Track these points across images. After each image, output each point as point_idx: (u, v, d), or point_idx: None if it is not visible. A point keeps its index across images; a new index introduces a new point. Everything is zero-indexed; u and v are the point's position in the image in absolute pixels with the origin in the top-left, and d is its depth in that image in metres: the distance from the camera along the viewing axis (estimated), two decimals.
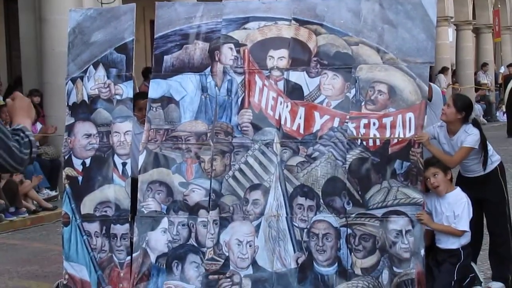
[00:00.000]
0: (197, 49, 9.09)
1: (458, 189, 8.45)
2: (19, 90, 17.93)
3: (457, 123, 8.51)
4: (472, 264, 8.51)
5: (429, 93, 8.80)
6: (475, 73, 34.63)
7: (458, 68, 34.18)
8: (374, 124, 8.59)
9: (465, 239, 8.38)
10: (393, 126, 8.58)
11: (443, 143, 8.58)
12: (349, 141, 8.62)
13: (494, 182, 8.55)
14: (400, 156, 8.49)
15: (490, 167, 8.53)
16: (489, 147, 8.57)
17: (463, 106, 8.50)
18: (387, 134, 8.54)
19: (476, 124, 8.62)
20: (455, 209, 8.31)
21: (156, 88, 9.10)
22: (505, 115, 29.63)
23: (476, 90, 33.46)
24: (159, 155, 8.96)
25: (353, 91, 8.73)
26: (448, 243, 8.39)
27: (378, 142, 8.57)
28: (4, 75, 20.61)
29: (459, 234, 8.31)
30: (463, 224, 8.28)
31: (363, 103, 8.66)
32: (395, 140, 8.53)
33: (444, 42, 30.98)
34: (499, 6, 36.19)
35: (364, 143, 8.59)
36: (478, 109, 32.04)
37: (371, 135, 8.57)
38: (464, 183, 8.58)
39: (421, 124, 8.52)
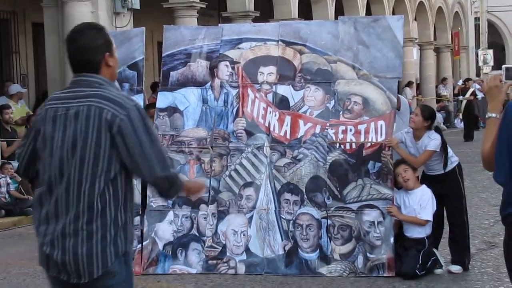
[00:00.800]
0: (199, 67, 9.07)
1: (424, 186, 8.47)
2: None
3: (422, 130, 8.50)
4: (434, 250, 8.50)
5: (398, 104, 8.81)
6: (436, 86, 34.62)
7: (422, 82, 34.20)
8: (350, 130, 8.60)
9: (429, 229, 8.39)
10: (367, 132, 8.58)
11: (409, 147, 8.58)
12: (329, 145, 8.62)
13: (453, 180, 8.54)
14: (373, 158, 8.50)
15: (449, 167, 8.52)
16: (449, 149, 8.57)
17: (429, 115, 8.51)
18: (362, 139, 8.55)
19: (437, 130, 8.63)
20: (421, 202, 8.34)
21: (163, 100, 9.08)
22: (462, 122, 29.67)
23: (437, 101, 33.48)
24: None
25: (332, 102, 8.73)
26: (414, 233, 8.41)
27: (354, 146, 8.57)
28: (32, 90, 20.56)
29: (423, 223, 8.33)
30: (427, 214, 8.32)
31: (341, 112, 8.67)
32: (369, 144, 8.53)
33: (409, 60, 30.99)
34: (458, 28, 36.23)
35: (342, 146, 8.59)
36: (439, 117, 32.08)
37: (348, 140, 8.59)
38: (428, 180, 8.58)
39: (391, 130, 8.53)
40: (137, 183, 8.86)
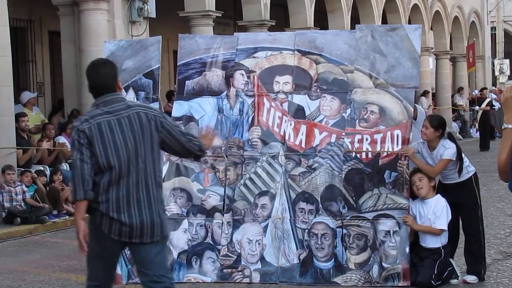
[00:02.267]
0: (215, 76, 9.08)
1: (439, 195, 8.46)
2: (61, 112, 18.01)
3: (436, 140, 8.50)
4: (450, 260, 8.49)
5: (414, 113, 8.79)
6: (452, 96, 34.57)
7: (438, 92, 34.15)
8: (366, 139, 8.60)
9: (445, 238, 8.38)
10: (383, 141, 8.57)
11: (425, 157, 8.57)
12: (345, 154, 8.61)
13: (469, 189, 8.52)
14: (389, 167, 8.48)
15: (465, 176, 8.50)
16: (465, 159, 8.56)
17: (438, 125, 8.50)
18: (378, 148, 8.54)
19: (451, 138, 8.63)
20: (436, 211, 8.34)
21: (179, 108, 9.10)
22: (477, 132, 29.59)
23: (453, 111, 33.43)
24: (180, 166, 8.95)
25: (348, 110, 8.72)
26: (430, 242, 8.40)
27: (370, 155, 8.56)
28: (48, 97, 20.64)
29: (438, 232, 8.33)
30: (442, 224, 8.31)
31: (357, 121, 8.67)
32: (385, 153, 8.52)
33: (425, 69, 30.97)
34: (474, 39, 36.16)
35: (358, 155, 8.58)
36: (454, 127, 32.00)
37: (364, 149, 8.57)
38: (444, 189, 8.57)
39: (407, 139, 8.52)
40: None
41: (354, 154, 8.61)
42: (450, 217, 8.36)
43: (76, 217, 5.67)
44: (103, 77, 5.78)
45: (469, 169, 8.56)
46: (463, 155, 8.57)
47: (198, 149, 5.89)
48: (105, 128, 5.59)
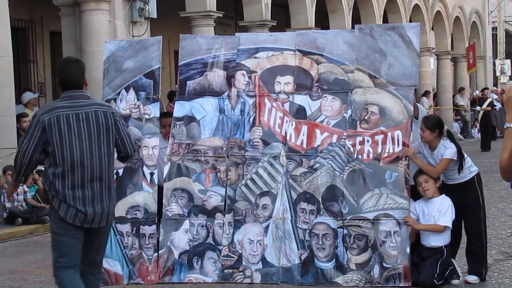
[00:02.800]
0: (216, 76, 9.08)
1: (444, 195, 8.48)
2: None
3: (435, 140, 8.51)
4: (452, 260, 8.49)
5: (416, 112, 8.79)
6: (453, 96, 34.57)
7: (439, 92, 34.13)
8: (368, 141, 8.61)
9: (447, 237, 8.39)
10: (384, 142, 8.58)
11: (427, 157, 8.59)
12: (347, 155, 8.60)
13: (471, 189, 8.52)
14: (390, 168, 8.49)
15: (468, 176, 8.52)
16: (468, 159, 8.57)
17: (433, 125, 8.51)
18: (379, 149, 8.54)
19: (450, 136, 8.63)
20: (441, 209, 8.36)
21: (180, 109, 9.10)
22: (479, 132, 29.59)
23: (454, 111, 33.45)
24: (181, 166, 8.95)
25: (349, 111, 8.72)
26: (432, 241, 8.42)
27: (371, 156, 8.56)
28: (49, 98, 20.64)
29: (442, 229, 8.34)
30: (446, 220, 8.33)
31: (358, 122, 8.66)
32: (386, 154, 8.52)
33: (426, 70, 30.98)
34: (474, 40, 36.14)
35: (360, 156, 8.58)
36: (456, 127, 32.00)
37: (366, 151, 8.57)
38: (447, 189, 8.59)
39: (407, 139, 8.52)
40: (153, 193, 8.91)
41: (356, 155, 8.60)
42: (454, 217, 8.37)
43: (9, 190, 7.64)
44: (73, 74, 6.43)
45: (471, 169, 8.56)
46: (465, 155, 8.58)
47: (127, 154, 6.62)
48: (63, 121, 6.21)
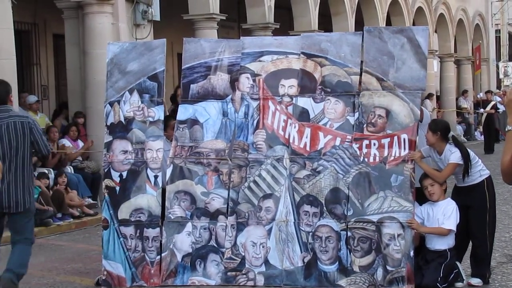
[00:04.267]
0: (219, 80, 9.08)
1: (449, 198, 8.51)
2: (64, 114, 18.03)
3: (439, 144, 8.53)
4: (457, 263, 8.50)
5: (421, 116, 8.80)
6: (457, 99, 34.57)
7: (442, 94, 34.13)
8: (374, 144, 8.60)
9: (452, 241, 8.40)
10: (390, 146, 8.57)
11: (437, 161, 8.64)
12: (353, 158, 8.60)
13: (479, 192, 8.55)
14: (395, 171, 8.49)
15: (478, 179, 8.56)
16: (479, 162, 8.61)
17: (436, 128, 8.55)
18: (385, 153, 8.54)
19: (456, 141, 8.64)
20: (445, 212, 8.39)
21: (183, 112, 9.10)
22: (482, 135, 29.57)
23: (458, 113, 33.44)
24: (184, 168, 8.96)
25: (356, 114, 8.71)
26: (436, 245, 8.44)
27: (377, 159, 8.56)
28: (53, 100, 20.68)
29: (446, 233, 8.37)
30: (450, 224, 8.36)
31: (364, 125, 8.65)
32: (392, 157, 8.52)
33: (429, 72, 30.90)
34: (479, 42, 36.14)
35: (366, 159, 8.58)
36: (459, 130, 32.00)
37: (372, 154, 8.56)
38: (457, 191, 8.66)
39: (414, 143, 8.52)
40: (157, 195, 8.92)
41: (362, 158, 8.61)
42: (458, 220, 8.38)
43: None
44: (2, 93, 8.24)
45: (482, 173, 8.59)
46: (476, 158, 8.60)
47: (42, 154, 8.39)
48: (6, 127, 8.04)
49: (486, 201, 8.55)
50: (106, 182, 9.05)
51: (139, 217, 8.95)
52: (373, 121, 8.67)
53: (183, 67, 9.22)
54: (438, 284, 8.25)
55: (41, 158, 8.85)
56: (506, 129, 4.44)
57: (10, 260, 8.21)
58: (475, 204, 8.52)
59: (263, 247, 8.73)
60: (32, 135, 8.13)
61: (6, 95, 8.24)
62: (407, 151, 8.50)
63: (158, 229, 8.90)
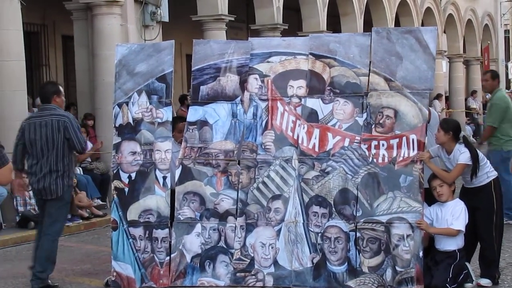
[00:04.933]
0: (229, 81, 9.09)
1: (457, 199, 8.50)
2: (73, 114, 18.04)
3: (450, 143, 8.51)
4: (466, 263, 8.49)
5: (428, 117, 8.79)
6: (466, 99, 34.52)
7: (451, 95, 34.11)
8: (383, 145, 8.60)
9: (461, 241, 8.39)
10: (399, 146, 8.57)
11: (445, 161, 8.62)
12: (362, 158, 8.60)
13: (486, 193, 8.53)
14: (404, 172, 8.49)
15: (485, 181, 8.54)
16: (487, 163, 8.59)
17: (448, 127, 8.53)
18: (394, 154, 8.53)
19: (466, 142, 8.63)
20: (454, 213, 8.37)
21: (194, 114, 9.11)
22: None
23: (466, 114, 33.39)
24: (193, 170, 8.97)
25: (364, 115, 8.71)
26: (446, 245, 8.42)
27: (386, 160, 8.56)
28: None
29: (455, 233, 8.35)
30: (459, 224, 8.34)
31: (373, 126, 8.65)
32: (401, 158, 8.51)
33: (438, 72, 30.88)
34: (488, 42, 36.08)
35: (375, 160, 8.57)
36: (468, 130, 31.94)
37: (381, 155, 8.56)
38: (464, 193, 8.63)
39: (422, 144, 8.51)
40: (166, 196, 8.93)
41: (370, 158, 8.60)
42: (467, 220, 8.37)
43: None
44: (44, 93, 9.33)
45: (489, 174, 8.57)
46: (485, 159, 8.59)
47: (77, 150, 9.18)
48: (33, 126, 9.05)
49: (493, 203, 8.54)
50: (115, 183, 9.06)
51: (148, 218, 8.96)
52: (381, 121, 8.66)
53: (192, 69, 9.23)
54: (447, 284, 8.23)
55: (78, 153, 9.51)
56: None
57: (36, 258, 9.14)
58: (482, 206, 8.51)
59: (272, 248, 8.73)
60: (67, 133, 8.91)
61: (51, 95, 9.11)
62: (415, 151, 8.49)
63: (167, 230, 8.91)
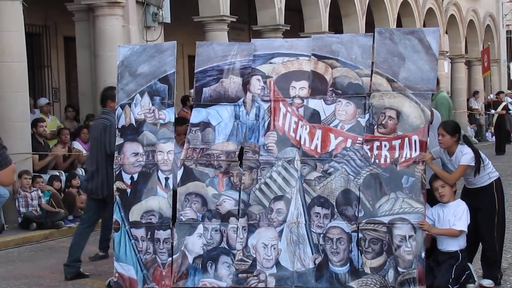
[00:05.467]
0: (232, 83, 9.08)
1: (459, 199, 8.50)
2: (70, 116, 18.07)
3: (453, 146, 8.52)
4: (469, 264, 8.49)
5: (431, 117, 8.79)
6: (467, 100, 34.52)
7: (453, 95, 34.03)
8: (385, 146, 8.59)
9: (463, 242, 8.39)
10: (401, 147, 8.56)
11: (446, 163, 8.61)
12: (364, 159, 8.60)
13: (488, 194, 8.53)
14: (407, 172, 8.48)
15: (487, 181, 8.54)
16: (489, 164, 8.59)
17: (453, 130, 8.53)
18: (396, 154, 8.52)
19: (468, 142, 8.63)
20: (456, 213, 8.37)
21: (197, 115, 9.11)
22: (493, 136, 29.52)
23: (469, 114, 33.39)
24: (195, 170, 8.97)
25: (367, 116, 8.71)
26: (448, 246, 8.42)
27: (388, 160, 8.55)
28: (63, 103, 20.72)
29: (457, 234, 8.35)
30: (462, 225, 8.34)
31: (375, 127, 8.64)
32: (403, 159, 8.51)
33: (440, 73, 30.86)
34: (489, 43, 36.07)
35: (377, 161, 8.57)
36: (470, 131, 31.94)
37: (383, 155, 8.56)
38: (466, 193, 8.63)
39: (425, 144, 8.51)
40: (168, 198, 8.93)
41: (372, 159, 8.60)
42: (469, 221, 8.37)
43: None
44: (100, 97, 10.49)
45: (491, 175, 8.57)
46: (486, 160, 8.59)
47: (107, 153, 9.77)
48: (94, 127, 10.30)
49: (495, 204, 8.54)
50: (118, 184, 9.06)
51: (150, 219, 8.96)
52: (383, 122, 8.66)
53: (195, 71, 9.23)
54: (449, 285, 8.23)
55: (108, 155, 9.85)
56: None
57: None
58: (484, 206, 8.51)
59: (274, 248, 8.73)
60: (105, 135, 9.80)
61: (105, 99, 10.18)
62: (418, 152, 8.49)
63: (169, 231, 8.91)
